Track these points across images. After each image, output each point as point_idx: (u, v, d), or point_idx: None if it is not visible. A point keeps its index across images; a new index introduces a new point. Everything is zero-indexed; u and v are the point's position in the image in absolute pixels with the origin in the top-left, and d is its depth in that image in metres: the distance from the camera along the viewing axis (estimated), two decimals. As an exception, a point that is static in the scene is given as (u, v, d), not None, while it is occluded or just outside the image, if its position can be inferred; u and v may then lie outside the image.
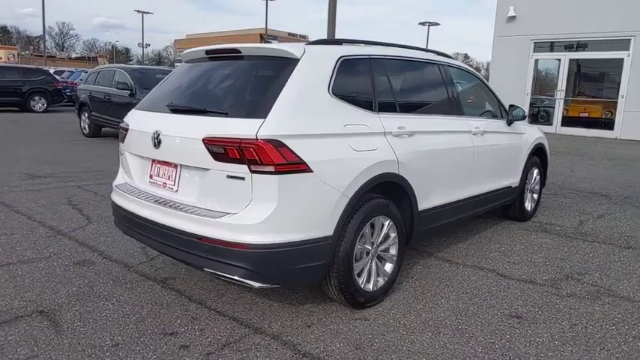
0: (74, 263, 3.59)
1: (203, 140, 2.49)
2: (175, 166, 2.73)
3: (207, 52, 3.02)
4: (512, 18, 15.21)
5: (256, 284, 2.47)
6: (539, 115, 15.65)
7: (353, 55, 2.96)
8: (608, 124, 14.01)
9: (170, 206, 2.67)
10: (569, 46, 14.42)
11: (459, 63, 4.16)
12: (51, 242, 4.03)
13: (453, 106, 3.78)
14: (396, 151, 2.98)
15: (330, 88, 2.72)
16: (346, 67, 2.87)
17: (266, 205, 2.38)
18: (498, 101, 4.52)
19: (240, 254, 2.40)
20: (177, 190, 2.72)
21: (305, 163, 2.43)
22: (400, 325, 2.77)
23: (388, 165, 2.91)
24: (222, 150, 2.42)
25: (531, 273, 3.65)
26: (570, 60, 14.47)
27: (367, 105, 2.94)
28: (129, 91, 10.17)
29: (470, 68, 4.41)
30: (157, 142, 2.74)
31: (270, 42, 3.50)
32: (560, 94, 14.67)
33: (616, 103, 13.69)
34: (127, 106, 10.57)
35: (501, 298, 3.19)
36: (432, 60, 3.74)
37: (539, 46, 15.06)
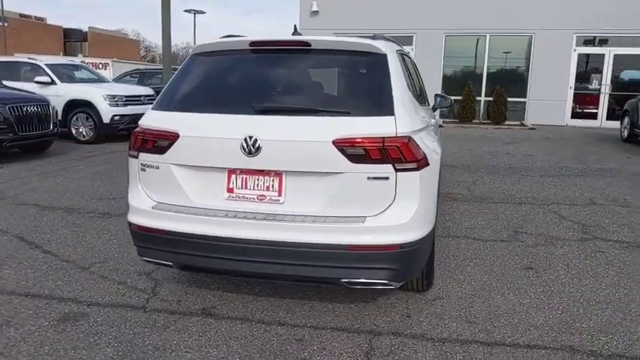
0: (59, 320, 2.71)
1: (334, 142, 2.27)
2: (278, 174, 2.38)
3: (254, 43, 2.65)
4: (316, 12, 16.51)
5: (397, 284, 2.42)
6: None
7: (399, 50, 3.04)
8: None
9: (283, 220, 2.33)
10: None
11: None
12: (-21, 303, 2.89)
13: (423, 96, 4.17)
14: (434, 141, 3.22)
15: (405, 81, 2.77)
16: (401, 61, 2.94)
17: (410, 203, 2.34)
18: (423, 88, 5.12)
19: (389, 256, 2.32)
20: (284, 202, 2.38)
21: (427, 157, 2.47)
22: (472, 296, 3.06)
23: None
24: (361, 151, 2.26)
25: (491, 234, 4.38)
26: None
27: (414, 97, 3.07)
28: None
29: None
30: (254, 149, 2.33)
31: (301, 34, 3.22)
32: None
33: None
34: None
35: (501, 256, 3.78)
36: (405, 52, 4.04)
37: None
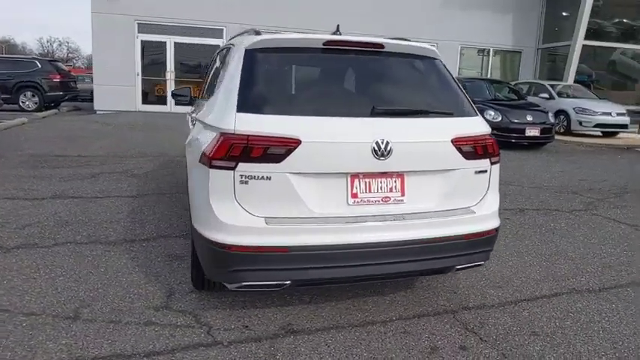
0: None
1: (452, 141, 2.48)
2: (400, 175, 2.45)
3: (330, 42, 2.56)
4: (113, -5, 14.70)
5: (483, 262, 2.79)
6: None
7: None
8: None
9: (409, 219, 2.45)
10: (174, 30, 15.46)
11: None
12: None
13: None
14: None
15: None
16: None
17: (496, 192, 2.75)
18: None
19: (490, 239, 2.69)
20: (406, 201, 2.45)
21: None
22: (483, 269, 3.60)
23: None
24: (471, 148, 2.54)
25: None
26: (176, 43, 15.65)
27: None
28: None
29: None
30: (386, 152, 2.34)
31: (341, 33, 3.09)
32: (170, 75, 15.70)
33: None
34: None
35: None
36: None
37: (144, 28, 15.34)
